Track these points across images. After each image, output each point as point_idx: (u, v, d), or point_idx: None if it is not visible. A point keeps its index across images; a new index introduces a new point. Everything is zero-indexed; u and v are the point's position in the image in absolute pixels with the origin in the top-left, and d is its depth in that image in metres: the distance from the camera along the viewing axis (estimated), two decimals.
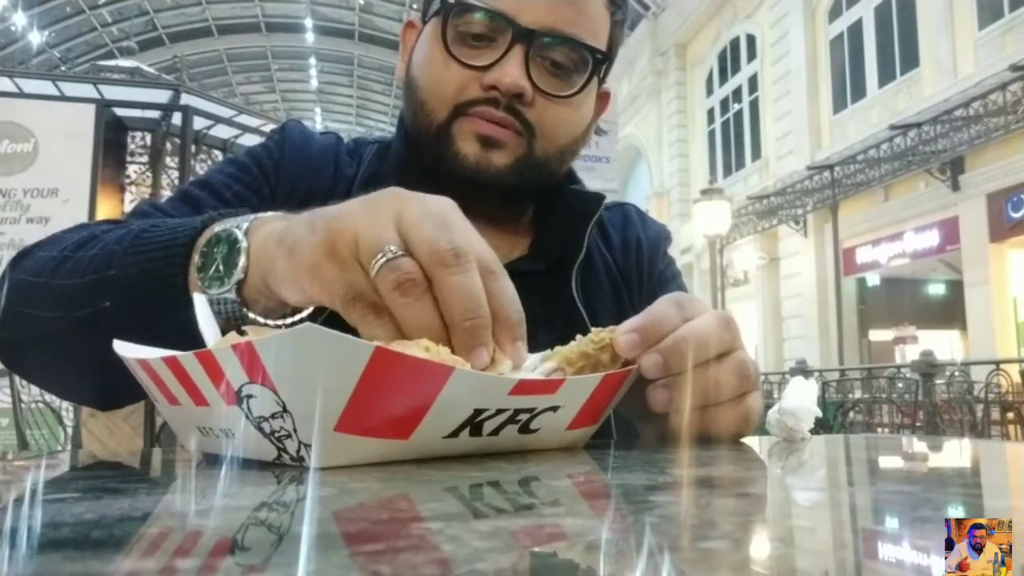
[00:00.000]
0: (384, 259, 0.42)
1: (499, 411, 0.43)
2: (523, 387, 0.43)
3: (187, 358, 0.41)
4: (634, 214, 0.93)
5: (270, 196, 0.76)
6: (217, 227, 0.54)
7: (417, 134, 0.75)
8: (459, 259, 0.43)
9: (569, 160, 0.79)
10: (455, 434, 0.42)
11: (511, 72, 0.69)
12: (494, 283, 0.45)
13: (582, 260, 0.79)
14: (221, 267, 0.52)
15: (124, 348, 0.48)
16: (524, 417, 0.45)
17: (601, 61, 0.74)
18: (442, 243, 0.43)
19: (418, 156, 0.75)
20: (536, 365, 0.49)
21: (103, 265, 0.58)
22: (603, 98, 0.82)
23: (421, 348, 0.40)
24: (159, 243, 0.56)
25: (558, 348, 0.51)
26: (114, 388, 0.64)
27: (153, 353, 0.46)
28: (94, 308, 0.55)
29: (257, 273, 0.50)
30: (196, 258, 0.54)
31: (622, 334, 0.51)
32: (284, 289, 0.48)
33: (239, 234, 0.52)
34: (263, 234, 0.51)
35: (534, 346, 0.54)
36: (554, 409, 0.46)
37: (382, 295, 0.42)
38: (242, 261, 0.51)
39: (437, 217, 0.45)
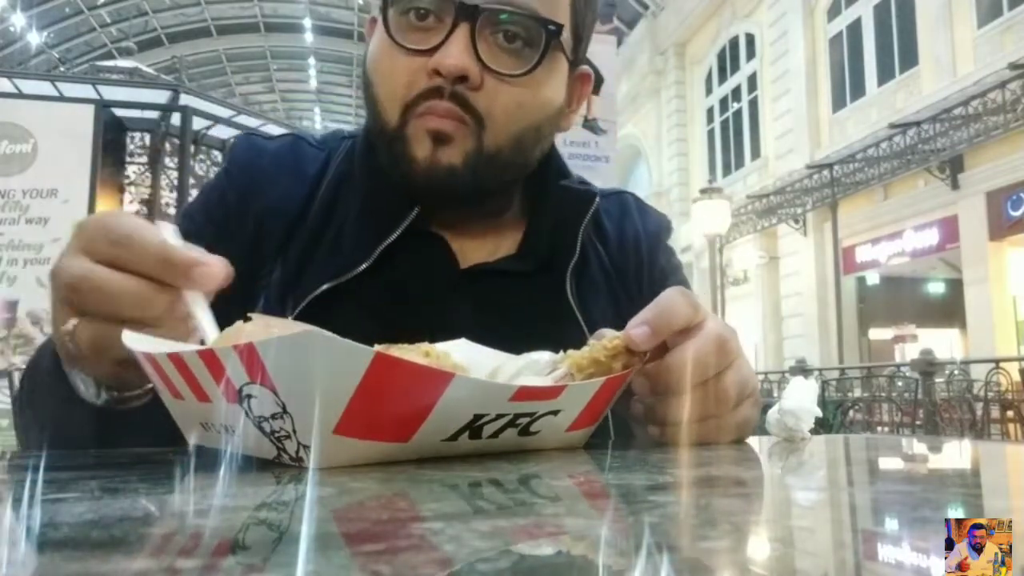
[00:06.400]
0: None
1: (499, 416, 0.43)
2: (524, 394, 0.43)
3: (190, 356, 0.41)
4: (632, 204, 0.87)
5: (234, 222, 0.73)
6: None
7: (374, 136, 0.71)
8: None
9: (531, 150, 0.71)
10: (454, 437, 0.42)
11: (452, 52, 0.63)
12: None
13: (576, 261, 0.74)
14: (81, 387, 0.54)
15: (132, 340, 0.48)
16: (524, 421, 0.45)
17: (556, 33, 0.67)
18: None
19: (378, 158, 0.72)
20: (549, 368, 0.49)
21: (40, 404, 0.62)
22: (581, 80, 0.76)
23: (421, 353, 0.40)
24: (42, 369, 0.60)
25: (570, 352, 0.50)
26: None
27: (159, 347, 0.46)
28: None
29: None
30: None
31: (633, 328, 0.50)
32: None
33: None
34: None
35: (523, 348, 0.54)
36: (555, 413, 0.46)
37: None
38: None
39: None
